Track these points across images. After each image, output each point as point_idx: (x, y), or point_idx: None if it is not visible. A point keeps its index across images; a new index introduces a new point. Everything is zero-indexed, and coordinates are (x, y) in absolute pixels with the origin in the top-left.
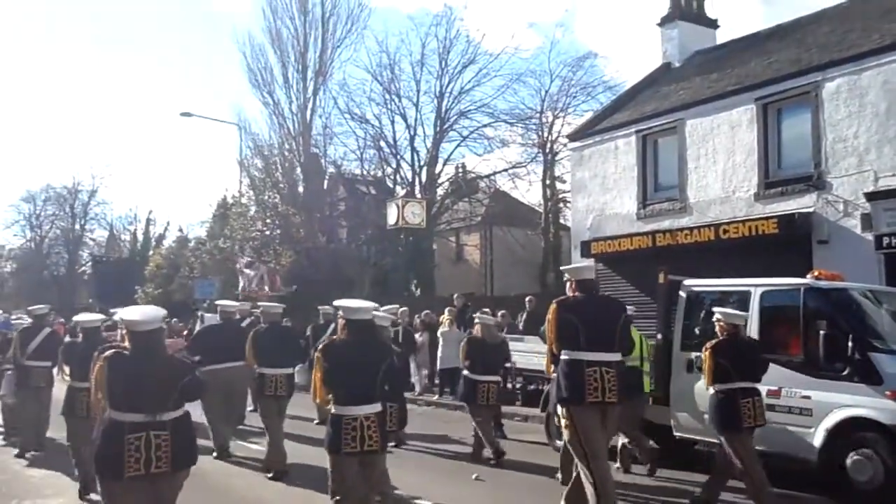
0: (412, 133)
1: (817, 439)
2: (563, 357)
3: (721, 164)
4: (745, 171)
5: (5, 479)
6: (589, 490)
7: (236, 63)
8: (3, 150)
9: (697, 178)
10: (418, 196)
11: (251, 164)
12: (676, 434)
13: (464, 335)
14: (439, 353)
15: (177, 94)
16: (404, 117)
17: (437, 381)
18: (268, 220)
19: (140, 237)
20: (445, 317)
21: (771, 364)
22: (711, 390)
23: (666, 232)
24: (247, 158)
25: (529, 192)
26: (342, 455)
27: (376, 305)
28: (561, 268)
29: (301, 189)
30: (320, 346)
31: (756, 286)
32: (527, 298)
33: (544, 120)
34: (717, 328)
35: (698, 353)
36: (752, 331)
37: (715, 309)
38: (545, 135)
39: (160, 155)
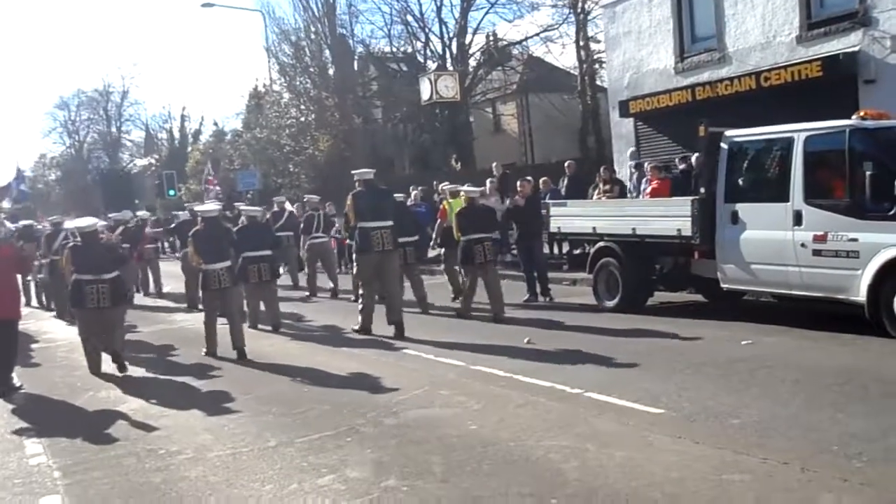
0: (439, 3)
1: (865, 280)
2: (358, 226)
3: (760, 9)
4: (786, 12)
5: (79, 374)
6: (362, 307)
7: None
8: (32, 58)
9: (736, 25)
10: (450, 69)
11: (279, 50)
12: (724, 286)
13: (502, 207)
14: None
15: None
16: None
17: None
18: (302, 107)
19: (177, 134)
20: (487, 187)
21: (817, 209)
22: (462, 241)
23: (705, 84)
24: (274, 45)
25: (563, 56)
26: (210, 291)
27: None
28: (352, 171)
29: (332, 72)
30: (192, 232)
31: (799, 131)
32: (566, 163)
33: None
34: (462, 199)
35: (743, 204)
36: (797, 178)
37: (461, 188)
38: None
39: (186, 50)
